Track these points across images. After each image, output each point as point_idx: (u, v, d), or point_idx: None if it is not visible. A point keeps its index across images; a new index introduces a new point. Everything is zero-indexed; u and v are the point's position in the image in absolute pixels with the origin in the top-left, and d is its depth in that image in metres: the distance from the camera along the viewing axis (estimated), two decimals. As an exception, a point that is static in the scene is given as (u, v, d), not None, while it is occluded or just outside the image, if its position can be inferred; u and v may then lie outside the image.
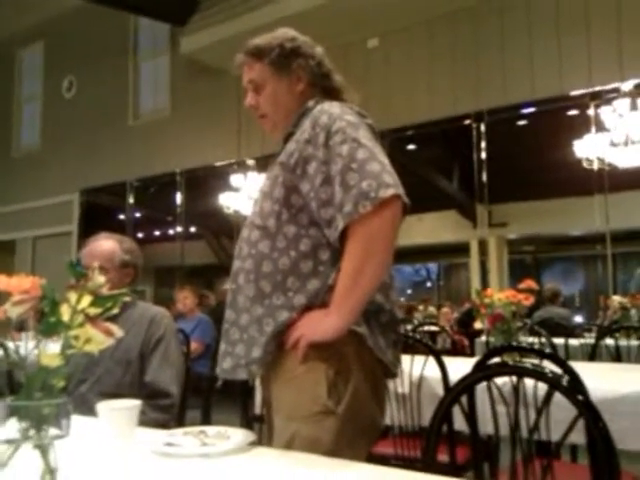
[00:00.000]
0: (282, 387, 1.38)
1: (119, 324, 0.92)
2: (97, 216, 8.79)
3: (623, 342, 4.03)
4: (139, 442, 1.20)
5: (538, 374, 1.38)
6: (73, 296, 0.88)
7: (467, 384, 1.43)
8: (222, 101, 7.25)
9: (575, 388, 1.44)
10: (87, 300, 0.88)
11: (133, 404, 1.18)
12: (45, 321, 0.85)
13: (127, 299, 0.93)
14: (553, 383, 1.35)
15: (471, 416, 1.64)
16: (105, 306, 0.90)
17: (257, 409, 2.00)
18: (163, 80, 8.50)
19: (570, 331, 4.76)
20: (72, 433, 0.89)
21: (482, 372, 1.50)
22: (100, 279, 0.91)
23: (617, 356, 3.89)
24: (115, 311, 0.91)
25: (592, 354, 3.80)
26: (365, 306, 1.32)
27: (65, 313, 0.87)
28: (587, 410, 1.28)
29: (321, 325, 1.31)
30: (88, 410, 1.30)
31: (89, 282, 0.91)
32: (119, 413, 1.15)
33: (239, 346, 1.41)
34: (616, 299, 5.37)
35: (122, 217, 8.60)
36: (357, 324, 1.32)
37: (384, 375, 1.44)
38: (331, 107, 1.42)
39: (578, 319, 7.18)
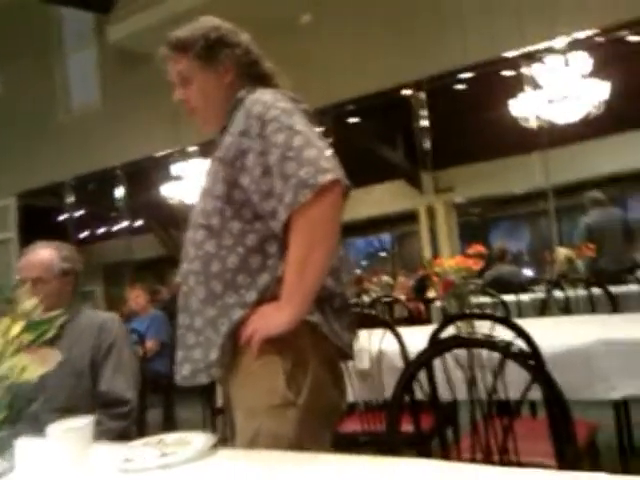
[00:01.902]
0: (240, 385, 1.37)
1: (65, 336, 0.87)
2: (36, 220, 8.47)
3: (571, 293, 4.16)
4: (97, 461, 1.16)
5: (490, 344, 1.40)
6: (4, 324, 0.84)
7: (424, 359, 1.45)
8: (156, 89, 7.03)
9: (526, 355, 1.48)
10: (19, 327, 0.83)
11: (85, 423, 1.14)
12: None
13: (62, 319, 0.88)
14: (505, 352, 1.38)
15: (431, 388, 1.67)
16: (40, 330, 0.86)
17: (219, 401, 1.98)
18: (92, 72, 8.21)
19: (520, 287, 4.91)
20: (25, 457, 0.85)
21: (436, 347, 1.52)
22: (31, 302, 0.87)
23: (566, 308, 4.02)
24: (51, 334, 0.87)
25: (542, 308, 3.92)
26: (318, 292, 1.31)
27: (-4, 343, 0.82)
28: (539, 374, 1.32)
29: (273, 319, 1.30)
30: (42, 429, 1.25)
31: (20, 306, 0.87)
32: (72, 434, 1.11)
33: (196, 350, 1.39)
34: (562, 252, 5.54)
35: (63, 218, 8.33)
36: (310, 313, 1.31)
37: (341, 358, 1.44)
38: (263, 95, 1.39)
39: (528, 273, 7.39)
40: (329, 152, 1.31)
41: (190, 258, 1.41)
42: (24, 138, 8.48)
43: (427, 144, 6.63)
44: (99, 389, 1.96)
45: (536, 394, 1.52)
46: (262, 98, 1.38)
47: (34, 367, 0.82)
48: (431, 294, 4.93)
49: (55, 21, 8.60)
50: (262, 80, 1.50)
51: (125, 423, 1.94)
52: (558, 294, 4.14)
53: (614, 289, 3.72)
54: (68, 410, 1.58)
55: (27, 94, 8.52)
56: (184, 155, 6.82)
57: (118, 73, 7.70)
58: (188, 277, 1.41)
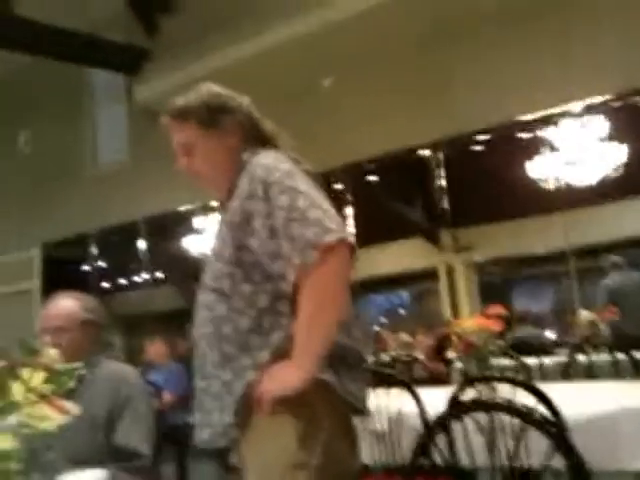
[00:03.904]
0: (252, 445, 1.36)
1: (84, 386, 0.88)
2: (60, 270, 8.60)
3: (594, 357, 4.09)
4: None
5: (511, 409, 1.38)
6: (26, 374, 0.85)
7: (442, 423, 1.42)
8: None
9: (548, 421, 1.44)
10: (40, 377, 0.84)
11: (100, 475, 1.13)
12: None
13: (82, 372, 0.89)
14: (526, 418, 1.35)
15: (450, 453, 1.63)
16: (60, 381, 0.87)
17: (233, 459, 1.95)
18: (121, 129, 8.47)
19: (542, 350, 4.81)
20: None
21: (455, 409, 1.49)
22: (52, 353, 0.88)
23: (589, 372, 3.93)
24: (71, 385, 0.88)
25: (565, 372, 3.83)
26: (329, 350, 1.31)
27: (18, 393, 0.83)
28: (561, 442, 1.28)
29: (284, 378, 1.29)
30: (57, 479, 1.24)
31: (41, 357, 0.88)
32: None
33: (214, 414, 1.38)
34: (584, 314, 5.46)
35: (86, 269, 8.44)
36: (322, 371, 1.31)
37: (354, 414, 1.42)
38: (265, 158, 1.42)
39: (550, 336, 7.25)
40: (333, 212, 1.33)
41: (201, 321, 1.43)
42: (51, 191, 8.71)
43: (445, 203, 6.66)
44: (115, 442, 1.94)
45: (559, 462, 1.48)
46: (264, 161, 1.41)
47: (53, 417, 0.82)
48: (451, 354, 4.86)
49: (86, 80, 8.95)
50: (264, 141, 1.53)
51: (139, 478, 1.91)
52: (581, 358, 4.05)
53: (638, 354, 3.64)
54: (84, 462, 1.57)
55: (57, 149, 8.80)
56: (204, 209, 6.93)
57: (144, 131, 7.93)
58: (201, 341, 1.43)
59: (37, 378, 0.85)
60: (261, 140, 1.53)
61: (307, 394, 1.29)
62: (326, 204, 1.34)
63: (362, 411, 1.41)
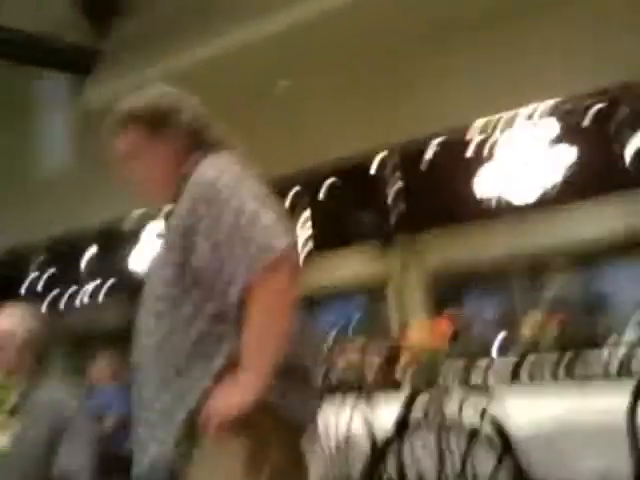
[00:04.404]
0: (197, 470, 1.32)
1: (25, 409, 0.83)
2: (4, 282, 8.29)
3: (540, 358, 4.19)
4: None
5: (457, 428, 1.38)
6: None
7: (390, 445, 1.41)
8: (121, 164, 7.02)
9: (494, 435, 1.45)
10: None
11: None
12: None
13: (22, 389, 0.84)
14: (472, 438, 1.36)
15: (399, 471, 1.63)
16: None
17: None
18: (66, 134, 8.23)
19: (491, 354, 4.92)
20: None
21: (402, 432, 1.49)
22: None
23: (537, 372, 4.03)
24: (10, 404, 0.83)
25: (514, 373, 3.92)
26: (278, 366, 1.27)
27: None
28: (506, 457, 1.30)
29: (229, 402, 1.25)
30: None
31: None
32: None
33: (152, 445, 1.33)
34: (531, 318, 5.59)
35: (28, 282, 8.17)
36: (268, 392, 1.26)
37: (303, 432, 1.40)
38: (211, 166, 1.37)
39: (498, 339, 7.38)
40: (279, 221, 1.28)
41: (142, 345, 1.38)
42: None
43: (399, 210, 6.74)
44: (54, 469, 1.88)
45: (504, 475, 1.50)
46: (206, 173, 1.36)
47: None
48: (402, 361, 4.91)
49: (32, 81, 8.67)
50: (211, 145, 1.47)
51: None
52: (530, 358, 4.15)
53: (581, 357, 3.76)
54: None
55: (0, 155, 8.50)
56: (151, 218, 6.80)
57: (92, 135, 7.73)
58: (140, 365, 1.38)
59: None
60: (209, 146, 1.46)
61: (252, 417, 1.25)
62: (272, 213, 1.29)
63: (308, 428, 1.39)
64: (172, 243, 1.35)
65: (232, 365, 1.28)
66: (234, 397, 1.25)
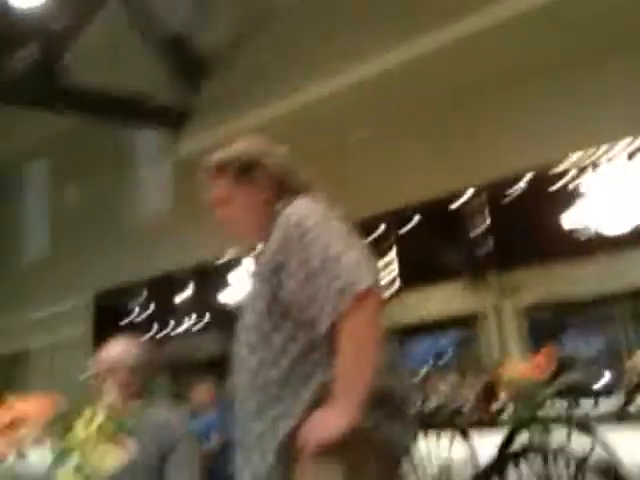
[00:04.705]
0: None
1: (135, 431, 0.91)
2: (109, 319, 8.79)
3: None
4: None
5: (564, 453, 1.34)
6: (88, 414, 0.88)
7: (494, 469, 1.38)
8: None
9: (605, 465, 1.39)
10: (101, 417, 0.88)
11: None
12: (58, 448, 0.85)
13: (138, 413, 0.93)
14: (580, 463, 1.31)
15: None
16: (119, 420, 0.90)
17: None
18: (164, 183, 8.74)
19: (594, 394, 4.63)
20: None
21: (508, 455, 1.45)
22: (112, 394, 0.92)
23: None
24: (130, 424, 0.91)
25: (620, 416, 3.68)
26: (372, 394, 1.31)
27: (80, 432, 0.87)
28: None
29: (325, 427, 1.29)
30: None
31: (102, 398, 0.92)
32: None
33: (253, 463, 1.39)
34: (638, 357, 5.26)
35: (131, 319, 8.62)
36: (365, 417, 1.30)
37: (398, 460, 1.40)
38: (298, 208, 1.45)
39: (602, 380, 6.98)
40: (367, 257, 1.35)
41: (238, 371, 1.46)
42: (101, 244, 8.99)
43: (490, 246, 6.60)
44: (165, 486, 1.96)
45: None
46: (297, 211, 1.44)
47: (115, 455, 0.85)
48: (500, 398, 4.73)
49: (131, 137, 9.30)
50: (297, 190, 1.55)
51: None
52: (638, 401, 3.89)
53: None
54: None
55: (103, 203, 9.12)
56: (244, 259, 7.03)
57: (188, 184, 8.14)
58: (237, 391, 1.45)
59: (98, 418, 0.89)
60: (295, 190, 1.56)
61: (350, 440, 1.28)
62: (358, 250, 1.36)
63: (405, 454, 1.40)
64: (263, 277, 1.44)
65: (323, 393, 1.33)
66: (329, 422, 1.29)
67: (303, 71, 6.35)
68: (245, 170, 1.56)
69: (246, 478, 1.40)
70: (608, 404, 4.50)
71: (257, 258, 1.54)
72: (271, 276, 1.40)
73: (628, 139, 5.39)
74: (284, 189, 1.56)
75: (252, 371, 1.40)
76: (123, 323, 8.71)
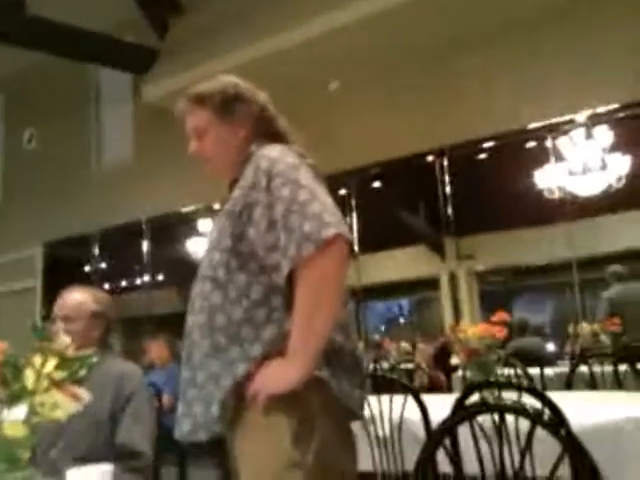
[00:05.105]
0: (245, 443, 1.34)
1: (89, 381, 0.87)
2: (61, 270, 8.60)
3: (597, 368, 4.06)
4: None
5: (519, 410, 1.36)
6: (38, 360, 0.84)
7: (449, 426, 1.40)
8: (185, 147, 7.21)
9: (557, 422, 1.43)
10: (52, 363, 0.83)
11: (104, 470, 1.12)
12: (7, 389, 0.80)
13: (94, 359, 0.88)
14: (535, 419, 1.34)
15: (455, 458, 1.61)
16: (72, 369, 0.86)
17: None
18: (126, 128, 8.47)
19: (543, 360, 4.79)
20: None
21: (463, 412, 1.47)
22: (65, 339, 0.87)
23: (592, 383, 3.90)
24: (82, 373, 0.87)
25: (568, 383, 3.81)
26: (326, 348, 1.29)
27: (29, 378, 0.82)
28: (571, 445, 1.27)
29: (279, 376, 1.28)
30: (59, 477, 1.23)
31: (54, 343, 0.87)
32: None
33: (197, 405, 1.36)
34: (586, 325, 5.44)
35: (88, 269, 8.44)
36: (318, 368, 1.29)
37: (350, 416, 1.40)
38: (271, 151, 1.43)
39: (550, 347, 7.24)
40: (334, 207, 1.33)
41: (196, 310, 1.42)
42: (54, 190, 8.72)
43: (449, 210, 6.67)
44: (116, 440, 1.93)
45: (564, 470, 1.46)
46: (270, 153, 1.42)
47: (65, 405, 0.81)
48: (453, 360, 4.84)
49: (93, 78, 8.97)
50: (275, 137, 1.54)
51: (140, 477, 1.90)
52: (583, 369, 4.03)
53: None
54: (86, 460, 1.56)
55: (61, 148, 8.82)
56: (210, 212, 6.92)
57: (151, 130, 7.94)
58: (193, 330, 1.41)
59: (49, 365, 0.84)
60: (273, 135, 1.55)
61: (302, 392, 1.27)
62: (327, 199, 1.34)
63: (357, 414, 1.40)
64: (232, 214, 1.40)
65: (281, 339, 1.30)
66: (283, 373, 1.28)
67: (275, 15, 6.18)
68: (227, 103, 1.53)
69: (185, 429, 1.37)
70: (555, 372, 4.65)
71: (225, 198, 1.50)
72: (240, 214, 1.38)
73: (589, 110, 5.46)
74: (261, 132, 1.55)
75: (214, 308, 1.36)
76: (76, 276, 8.52)
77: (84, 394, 0.83)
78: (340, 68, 6.49)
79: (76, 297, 2.13)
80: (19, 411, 0.81)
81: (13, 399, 0.81)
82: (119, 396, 1.99)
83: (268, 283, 1.35)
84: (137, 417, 1.99)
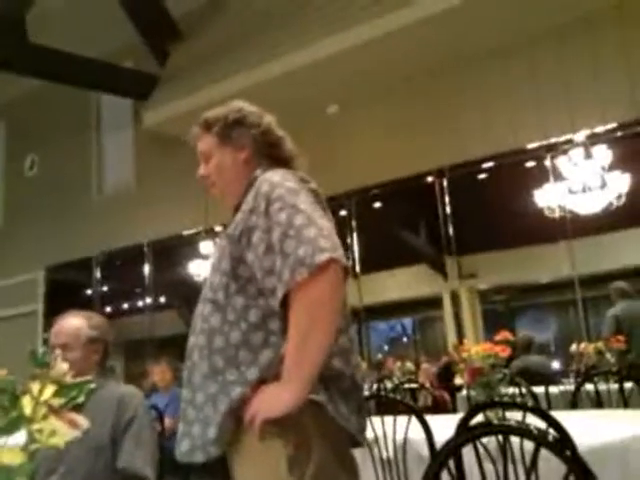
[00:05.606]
0: (242, 467, 1.34)
1: (87, 408, 0.87)
2: (63, 293, 8.60)
3: (602, 386, 4.03)
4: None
5: (524, 432, 1.35)
6: (35, 387, 0.83)
7: (453, 447, 1.39)
8: (187, 170, 7.24)
9: (562, 443, 1.41)
10: (50, 390, 0.83)
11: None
12: (5, 417, 0.79)
13: (92, 386, 0.88)
14: (540, 440, 1.32)
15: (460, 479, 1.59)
16: (69, 395, 0.85)
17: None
18: (127, 153, 8.54)
19: (548, 379, 4.75)
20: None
21: (467, 433, 1.46)
22: (63, 366, 0.87)
23: (598, 401, 3.87)
24: (81, 400, 0.86)
25: (573, 401, 3.78)
26: (322, 373, 1.28)
27: (27, 406, 0.81)
28: (576, 465, 1.25)
29: (274, 400, 1.27)
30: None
31: (52, 370, 0.86)
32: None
33: (195, 426, 1.36)
34: (588, 345, 5.40)
35: (89, 292, 8.43)
36: (315, 392, 1.28)
37: (350, 444, 1.39)
38: (273, 175, 1.44)
39: (554, 365, 7.19)
40: (331, 232, 1.32)
41: (196, 332, 1.43)
42: (56, 214, 8.75)
43: (450, 230, 6.67)
44: (118, 465, 1.91)
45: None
46: (272, 178, 1.43)
47: (63, 432, 0.80)
48: (457, 380, 4.80)
49: (93, 104, 9.05)
50: (280, 161, 1.56)
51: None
52: (588, 387, 4.00)
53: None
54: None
55: (62, 173, 8.88)
56: (211, 234, 6.94)
57: (152, 155, 8.00)
58: (193, 351, 1.42)
59: (47, 392, 0.84)
60: (277, 159, 1.57)
61: (298, 416, 1.26)
62: (325, 223, 1.34)
63: (357, 438, 1.38)
64: (232, 237, 1.42)
65: (278, 363, 1.30)
66: (278, 398, 1.26)
67: (272, 42, 6.25)
68: (228, 128, 1.57)
69: (183, 449, 1.37)
70: (560, 390, 4.61)
71: (229, 222, 1.52)
72: (240, 237, 1.39)
73: (588, 129, 5.49)
74: (265, 155, 1.57)
75: (212, 330, 1.37)
76: (78, 299, 8.51)
77: (83, 421, 0.83)
78: (340, 91, 6.56)
79: (72, 324, 2.10)
80: (17, 438, 0.81)
81: (11, 426, 0.81)
82: (120, 420, 1.97)
83: (266, 307, 1.35)
84: (139, 441, 1.97)
